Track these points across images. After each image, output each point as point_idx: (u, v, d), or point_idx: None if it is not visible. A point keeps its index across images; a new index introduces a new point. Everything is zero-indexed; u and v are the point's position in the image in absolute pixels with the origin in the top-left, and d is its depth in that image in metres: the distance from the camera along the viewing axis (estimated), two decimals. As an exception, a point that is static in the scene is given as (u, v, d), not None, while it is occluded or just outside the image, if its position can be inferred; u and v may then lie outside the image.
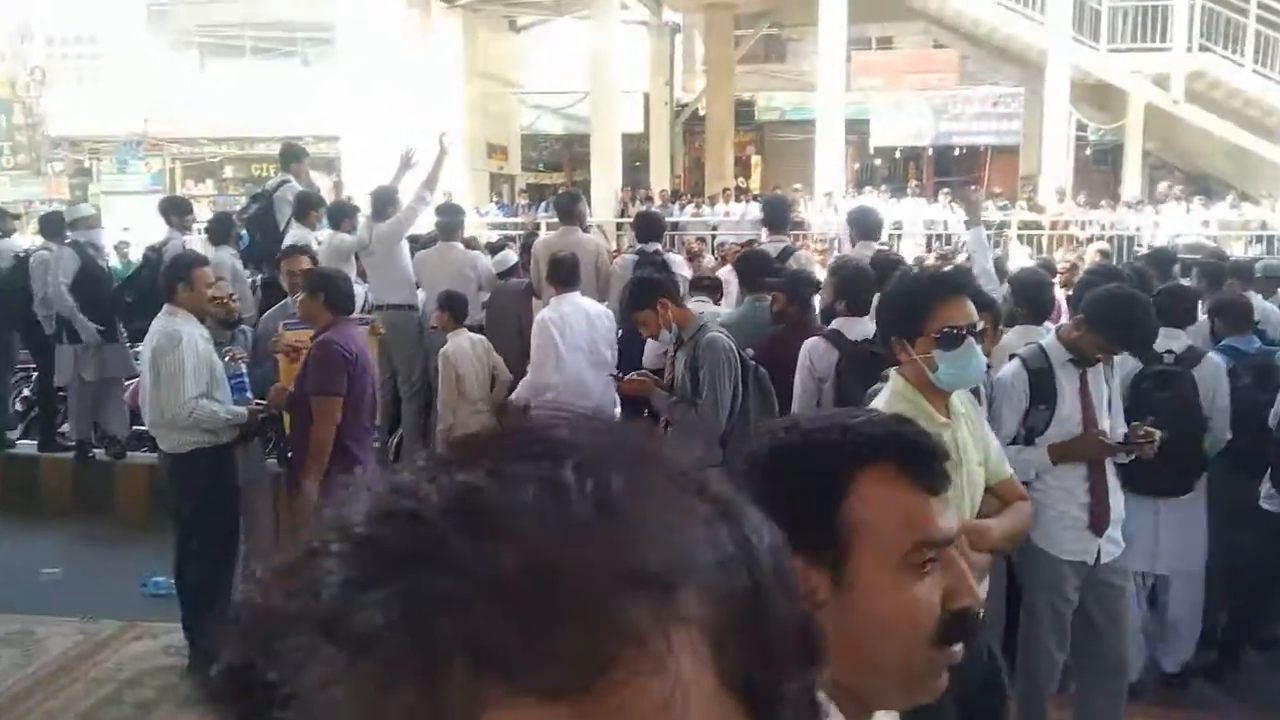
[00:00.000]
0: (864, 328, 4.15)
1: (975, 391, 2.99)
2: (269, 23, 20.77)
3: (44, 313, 6.98)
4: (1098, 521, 3.46)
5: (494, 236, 11.04)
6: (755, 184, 21.32)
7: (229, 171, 22.31)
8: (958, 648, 0.95)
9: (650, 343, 4.69)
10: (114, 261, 9.68)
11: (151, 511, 6.20)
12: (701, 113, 21.10)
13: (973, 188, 13.12)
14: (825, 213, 14.38)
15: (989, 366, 3.08)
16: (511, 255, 7.14)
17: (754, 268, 5.29)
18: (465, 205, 8.19)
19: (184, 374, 4.38)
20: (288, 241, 6.48)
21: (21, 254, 7.44)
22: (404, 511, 0.38)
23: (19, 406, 7.86)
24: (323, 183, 8.79)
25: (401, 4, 16.74)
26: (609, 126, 17.12)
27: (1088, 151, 20.05)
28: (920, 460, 0.96)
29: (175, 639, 4.79)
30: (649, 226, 6.75)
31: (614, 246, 9.75)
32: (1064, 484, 3.46)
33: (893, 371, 2.64)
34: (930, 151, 22.73)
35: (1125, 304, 3.37)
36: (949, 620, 0.94)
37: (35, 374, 7.58)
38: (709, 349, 4.08)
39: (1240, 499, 4.32)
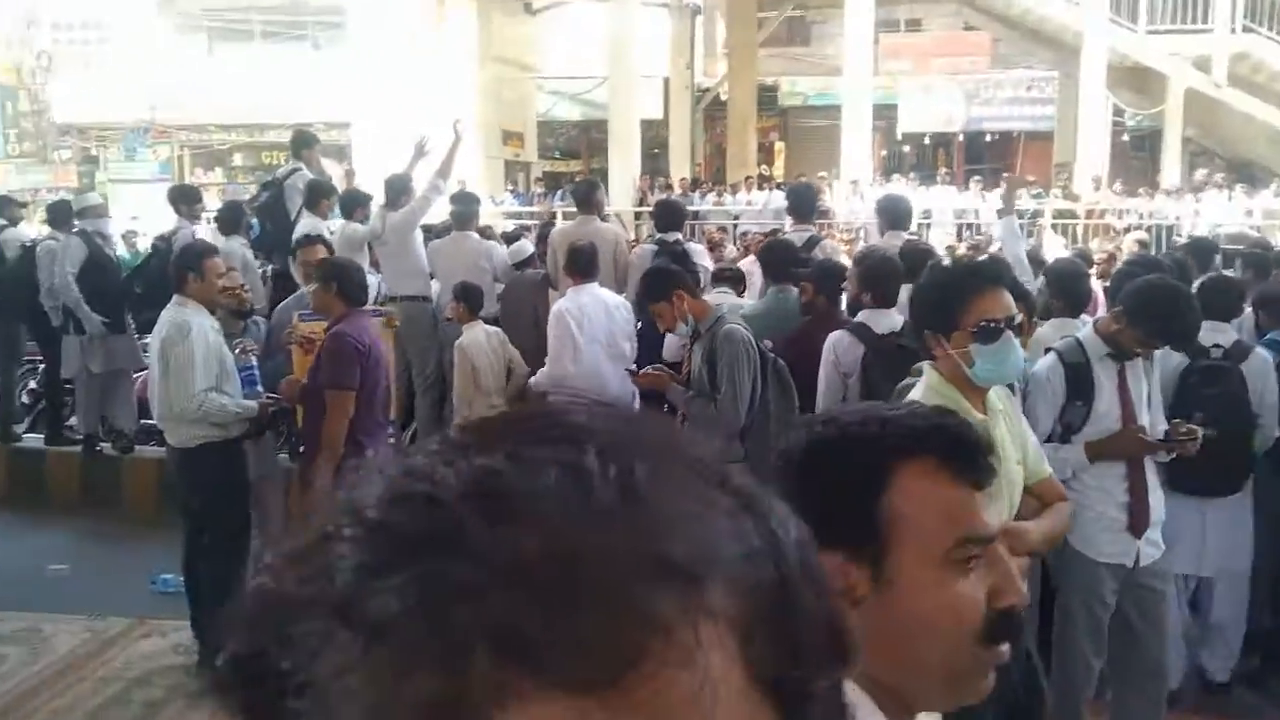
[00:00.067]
0: (891, 320, 4.05)
1: (1009, 386, 2.88)
2: (278, 6, 20.72)
3: (51, 303, 6.92)
4: (1137, 523, 3.36)
5: (509, 226, 10.95)
6: (778, 171, 21.10)
7: (238, 159, 22.25)
8: (1005, 648, 0.93)
9: (670, 336, 4.58)
10: (122, 251, 9.62)
11: (160, 507, 6.16)
12: (723, 98, 20.89)
13: (1005, 174, 12.89)
14: (851, 201, 14.20)
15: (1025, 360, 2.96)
16: (528, 245, 7.03)
17: (779, 258, 5.15)
18: (480, 193, 8.10)
19: (193, 366, 4.33)
20: (299, 231, 6.40)
21: (28, 243, 7.38)
22: (420, 495, 0.37)
23: (25, 399, 7.84)
24: (334, 170, 8.72)
25: (414, -14, 16.66)
26: (627, 112, 16.97)
27: (1125, 137, 19.73)
28: (964, 453, 0.95)
29: (184, 637, 4.74)
30: (669, 215, 6.61)
31: (632, 236, 9.61)
32: (1102, 484, 3.37)
33: (927, 366, 2.55)
34: (961, 138, 22.49)
35: (1166, 296, 3.28)
36: (995, 619, 0.92)
37: (42, 366, 7.55)
38: (726, 341, 3.99)
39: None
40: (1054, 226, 13.32)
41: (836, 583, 0.87)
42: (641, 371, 4.54)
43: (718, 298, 5.25)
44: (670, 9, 20.38)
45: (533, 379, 5.49)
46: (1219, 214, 13.36)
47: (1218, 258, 6.23)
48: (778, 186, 16.18)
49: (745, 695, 0.37)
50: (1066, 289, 4.23)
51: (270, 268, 7.18)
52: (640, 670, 0.34)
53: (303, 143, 7.68)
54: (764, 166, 20.34)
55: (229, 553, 4.48)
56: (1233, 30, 15.33)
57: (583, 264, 5.29)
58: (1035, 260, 5.66)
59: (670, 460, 0.39)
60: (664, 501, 0.37)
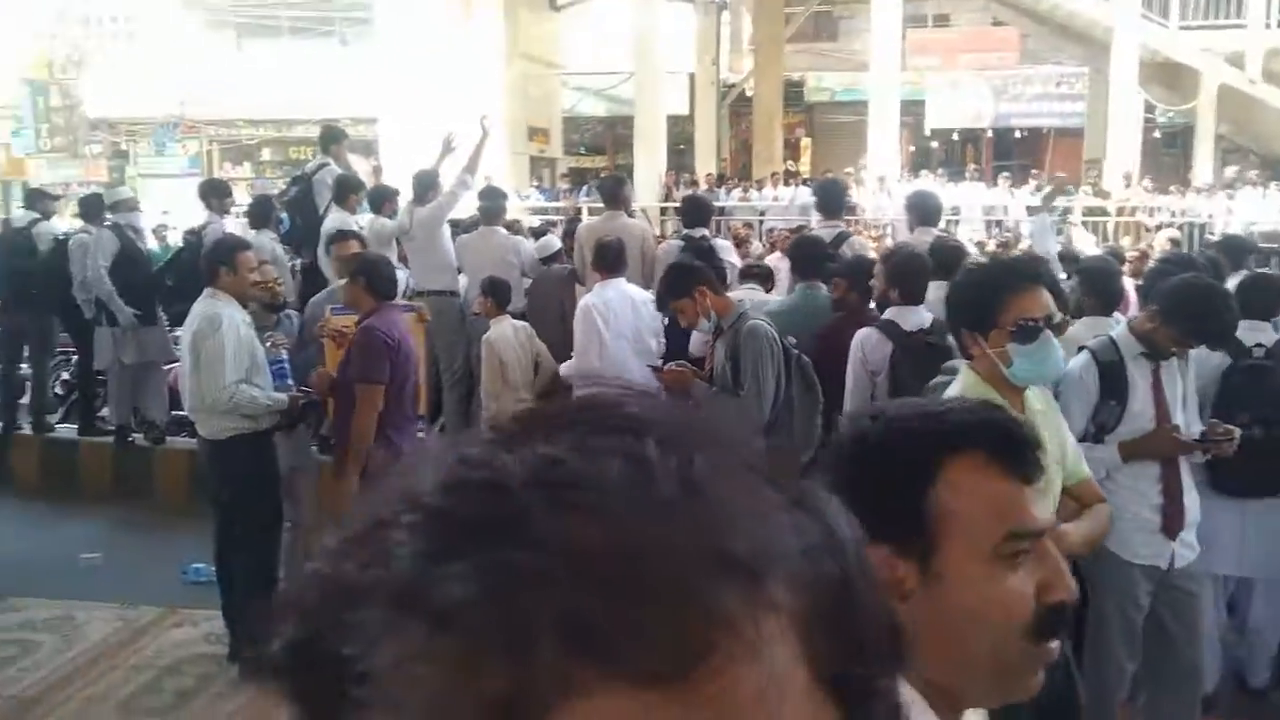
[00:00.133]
0: (919, 317, 4.02)
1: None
2: (306, 1, 20.83)
3: (83, 296, 7.00)
4: (1171, 524, 3.31)
5: (534, 221, 10.95)
6: (804, 168, 20.99)
7: (266, 154, 22.39)
8: (1054, 644, 0.92)
9: (696, 332, 4.57)
10: (152, 245, 9.73)
11: (191, 497, 6.21)
12: (749, 94, 20.81)
13: (1054, 175, 12.80)
14: (878, 197, 14.11)
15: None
16: (555, 240, 7.03)
17: (807, 254, 5.12)
18: (505, 189, 8.09)
19: (224, 358, 4.35)
20: (328, 225, 6.43)
21: (61, 237, 7.47)
22: (481, 482, 0.36)
23: (59, 390, 7.93)
24: (361, 166, 8.75)
25: (441, -18, 16.71)
26: (653, 108, 16.94)
27: (1156, 134, 19.47)
28: (1012, 448, 0.94)
29: (215, 626, 4.78)
30: (696, 211, 6.60)
31: (658, 232, 9.59)
32: (1136, 484, 3.32)
33: (964, 366, 2.53)
34: (989, 134, 22.28)
35: (1202, 295, 3.24)
36: (1044, 614, 0.91)
37: (75, 357, 7.64)
38: (750, 337, 3.97)
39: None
40: (1083, 224, 13.20)
41: (884, 576, 0.87)
42: (665, 368, 4.53)
43: (746, 294, 5.23)
44: (696, 4, 20.30)
45: (561, 367, 5.49)
46: (1253, 212, 13.17)
47: (1252, 256, 6.15)
48: (804, 182, 16.10)
49: (809, 692, 0.37)
50: (1099, 287, 4.17)
51: (299, 262, 7.23)
52: (707, 665, 0.33)
53: (331, 138, 7.72)
54: (790, 162, 20.23)
55: (260, 544, 4.53)
56: (1267, 25, 15.13)
57: (610, 259, 5.29)
58: (1070, 257, 5.60)
59: (726, 453, 0.39)
60: (723, 495, 0.37)
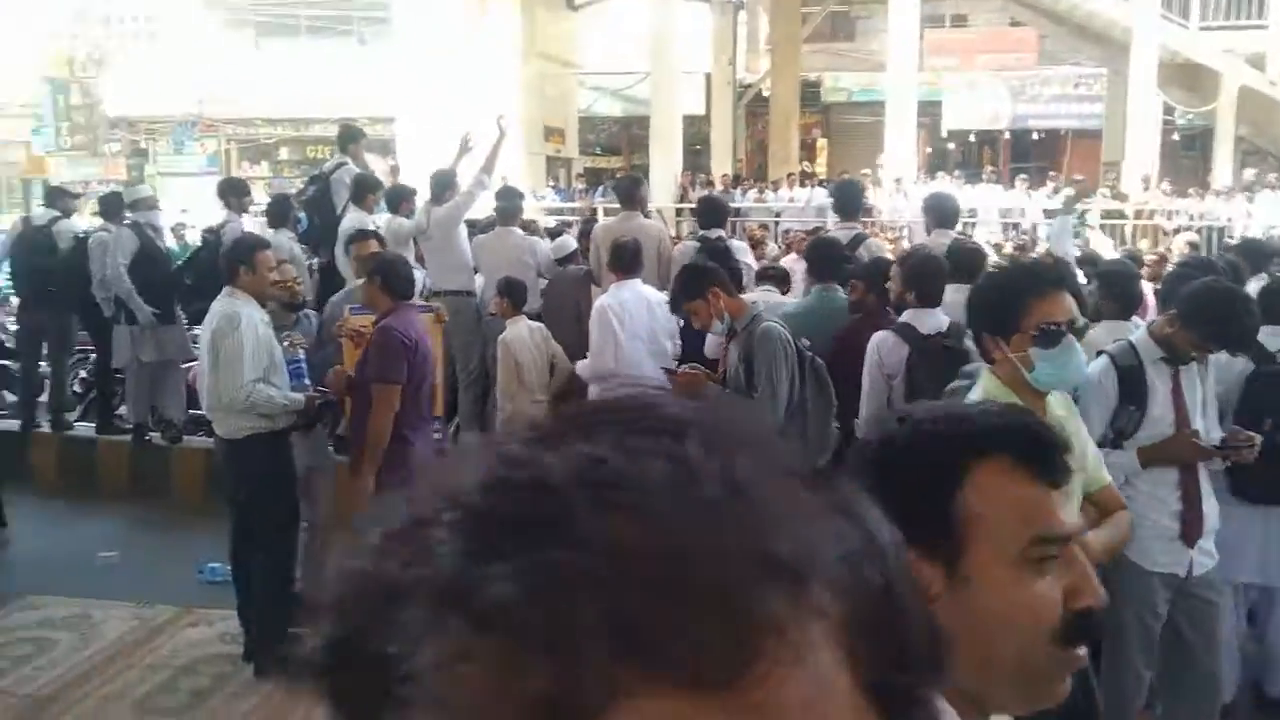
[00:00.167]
0: (936, 320, 3.99)
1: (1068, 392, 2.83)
2: (324, 1, 20.92)
3: (103, 294, 7.03)
4: (1190, 531, 3.28)
5: (550, 221, 10.96)
6: (821, 168, 20.94)
7: (284, 153, 22.53)
8: (1082, 651, 0.92)
9: (711, 334, 4.56)
10: (170, 243, 9.78)
11: (208, 496, 6.24)
12: (765, 94, 20.76)
13: (1051, 173, 12.70)
14: (895, 199, 14.04)
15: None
16: (571, 241, 7.03)
17: (824, 256, 5.10)
18: (521, 189, 8.11)
19: (242, 357, 4.36)
20: (345, 225, 6.45)
21: (80, 235, 7.49)
22: (524, 481, 0.36)
23: (77, 388, 7.97)
24: (378, 165, 8.79)
25: (458, -18, 16.74)
26: (669, 108, 16.93)
27: (1175, 136, 19.33)
28: (1039, 452, 0.94)
29: (231, 626, 4.80)
30: (713, 212, 6.59)
31: (673, 233, 9.58)
32: (1155, 491, 3.29)
33: (985, 370, 2.51)
34: (1007, 135, 22.17)
35: (1223, 299, 3.22)
36: (1071, 620, 0.91)
37: (93, 355, 7.67)
38: (764, 340, 3.95)
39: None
40: (1101, 227, 13.11)
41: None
42: (679, 370, 4.52)
43: (762, 296, 5.22)
44: (712, 4, 20.28)
45: (577, 365, 5.49)
46: (1273, 215, 13.02)
47: (1273, 260, 6.09)
48: (820, 183, 16.05)
49: (853, 699, 0.36)
50: (1118, 290, 4.14)
51: (316, 261, 7.25)
52: (754, 669, 0.33)
53: (349, 138, 7.75)
54: (806, 163, 20.19)
55: (276, 544, 4.54)
56: (1289, 26, 15.00)
57: (627, 260, 5.29)
58: (1089, 260, 5.56)
59: (767, 456, 0.39)
60: (767, 498, 0.36)
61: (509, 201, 6.96)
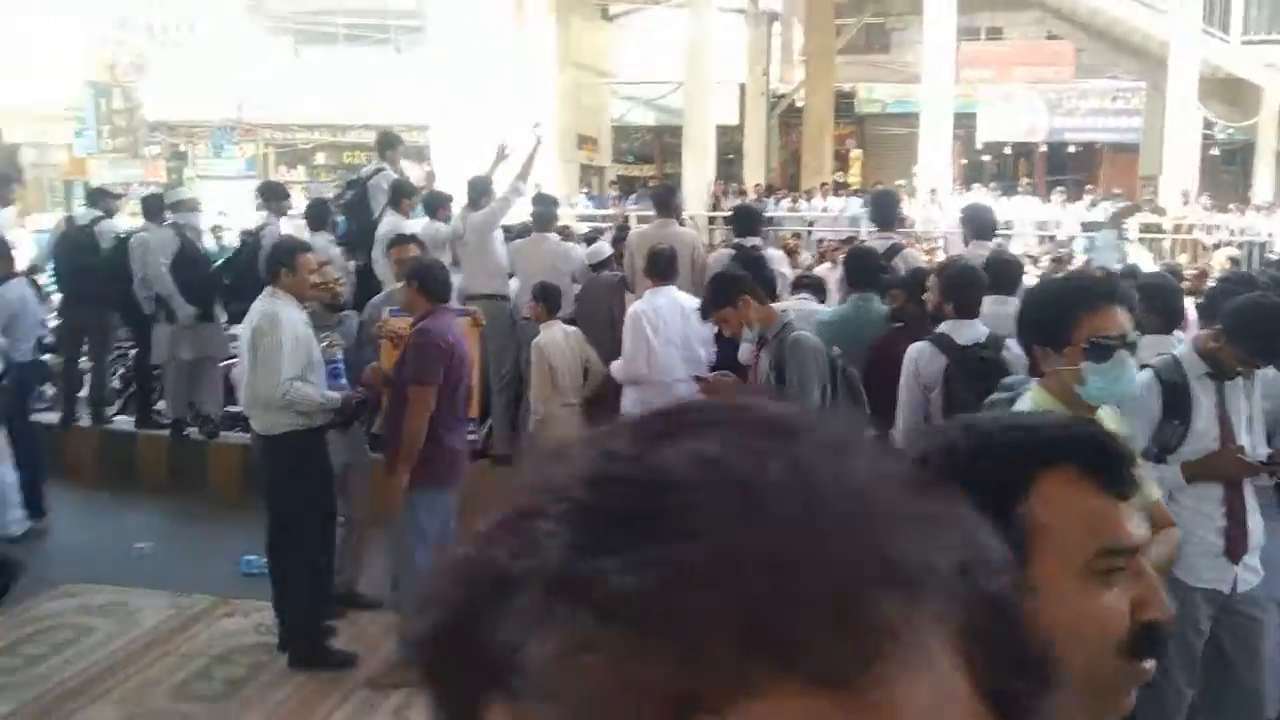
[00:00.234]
0: (974, 331, 3.96)
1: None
2: (362, 9, 21.13)
3: (144, 293, 7.13)
4: (1235, 547, 3.24)
5: (583, 228, 11.00)
6: (854, 179, 20.88)
7: (320, 158, 22.82)
8: (1150, 664, 0.91)
9: (744, 342, 4.56)
10: (209, 244, 9.91)
11: (244, 491, 6.30)
12: (799, 104, 20.72)
13: (1088, 187, 12.59)
14: (929, 210, 13.98)
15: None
16: (606, 247, 7.06)
17: (862, 265, 5.09)
18: (556, 196, 8.16)
19: (281, 355, 4.41)
20: (383, 229, 6.51)
21: (122, 235, 7.59)
22: (633, 477, 0.36)
23: (117, 384, 8.08)
24: (413, 171, 8.85)
25: (494, -8, 16.87)
26: (702, 118, 16.93)
27: (1214, 151, 19.12)
28: (1106, 463, 0.93)
29: (265, 617, 4.84)
30: (747, 220, 6.59)
31: (706, 241, 9.60)
32: (1199, 506, 3.24)
33: (1034, 382, 2.49)
34: (1043, 148, 22.00)
35: (1270, 314, 3.18)
36: (1139, 632, 0.90)
37: (133, 352, 7.77)
38: (795, 348, 3.95)
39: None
40: (1139, 241, 12.97)
41: None
42: (708, 378, 4.52)
43: (798, 304, 5.21)
44: (747, 15, 20.30)
45: (611, 366, 5.51)
46: (1314, 231, 12.93)
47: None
48: (854, 194, 16.01)
49: (972, 705, 0.36)
50: (1160, 304, 4.10)
51: (354, 264, 7.32)
52: (875, 671, 0.33)
53: (387, 143, 7.81)
54: (839, 174, 20.16)
55: (312, 539, 4.57)
56: (1334, 40, 14.80)
57: (662, 266, 5.31)
58: (1130, 274, 5.52)
59: (879, 462, 0.39)
60: (882, 502, 0.36)
61: (544, 208, 7.00)
